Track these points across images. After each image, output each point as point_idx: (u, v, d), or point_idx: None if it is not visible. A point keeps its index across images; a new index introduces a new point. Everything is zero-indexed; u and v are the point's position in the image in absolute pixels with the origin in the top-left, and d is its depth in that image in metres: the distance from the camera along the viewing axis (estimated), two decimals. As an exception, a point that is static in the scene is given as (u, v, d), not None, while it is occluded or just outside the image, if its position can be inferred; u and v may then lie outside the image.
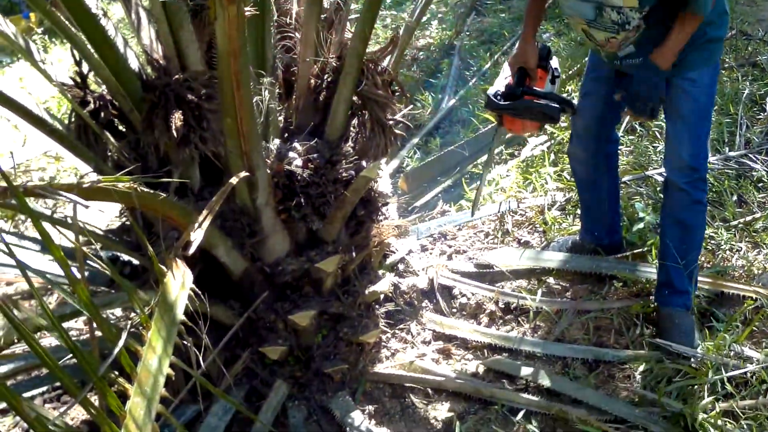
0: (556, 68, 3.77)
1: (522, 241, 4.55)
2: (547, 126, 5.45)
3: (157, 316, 1.69)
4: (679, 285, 3.60)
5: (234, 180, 2.43)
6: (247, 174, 2.90)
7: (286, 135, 3.51)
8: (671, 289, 3.62)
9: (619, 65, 3.57)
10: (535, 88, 3.64)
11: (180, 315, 1.75)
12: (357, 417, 3.38)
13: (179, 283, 1.81)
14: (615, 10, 3.16)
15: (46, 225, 3.74)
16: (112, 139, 3.39)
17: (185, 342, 2.83)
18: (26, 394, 3.72)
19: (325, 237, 3.47)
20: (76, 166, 6.73)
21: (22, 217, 6.59)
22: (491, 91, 3.65)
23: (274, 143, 3.29)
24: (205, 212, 2.15)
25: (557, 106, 3.52)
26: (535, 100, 3.54)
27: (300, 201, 3.26)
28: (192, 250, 2.02)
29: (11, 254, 1.61)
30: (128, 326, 1.71)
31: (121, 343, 1.58)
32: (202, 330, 2.01)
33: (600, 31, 3.33)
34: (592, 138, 3.94)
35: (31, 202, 3.73)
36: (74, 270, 3.97)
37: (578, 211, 4.64)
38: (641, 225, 4.18)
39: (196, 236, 2.04)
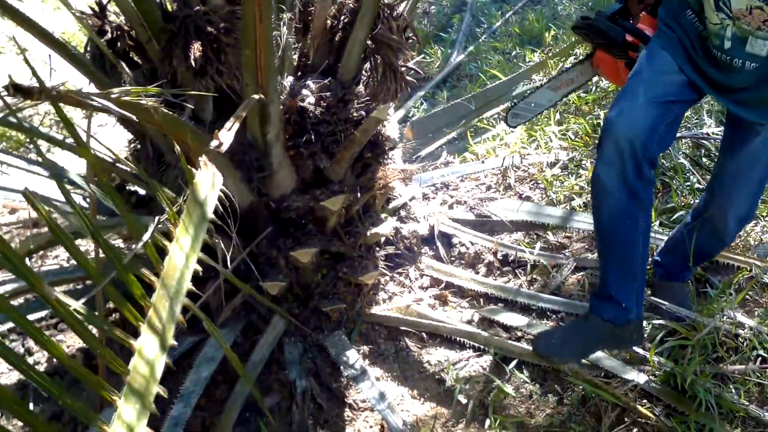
0: None
1: (523, 196, 4.57)
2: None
3: (185, 214, 1.71)
4: (679, 278, 3.60)
5: (255, 96, 2.45)
6: (262, 97, 2.92)
7: (300, 73, 3.53)
8: (670, 277, 3.61)
9: (723, 64, 2.81)
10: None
11: (210, 213, 1.78)
12: (352, 356, 3.45)
13: (209, 183, 1.83)
14: None
15: (56, 154, 3.81)
16: (127, 69, 3.42)
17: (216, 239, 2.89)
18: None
19: (332, 176, 3.50)
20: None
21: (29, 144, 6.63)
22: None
23: (288, 80, 3.32)
24: (232, 120, 2.17)
25: (619, 29, 3.02)
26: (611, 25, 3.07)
27: (310, 138, 3.29)
28: (225, 147, 2.04)
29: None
30: (156, 222, 1.73)
31: (148, 234, 1.62)
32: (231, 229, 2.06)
33: None
34: (627, 162, 2.86)
35: (43, 129, 3.76)
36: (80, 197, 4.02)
37: (580, 171, 4.67)
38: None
39: (227, 138, 2.06)
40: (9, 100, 1.62)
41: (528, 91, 3.76)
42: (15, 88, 1.51)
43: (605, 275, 3.18)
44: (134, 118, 1.87)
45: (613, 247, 3.13)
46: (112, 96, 1.68)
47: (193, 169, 1.82)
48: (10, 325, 3.74)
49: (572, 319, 3.57)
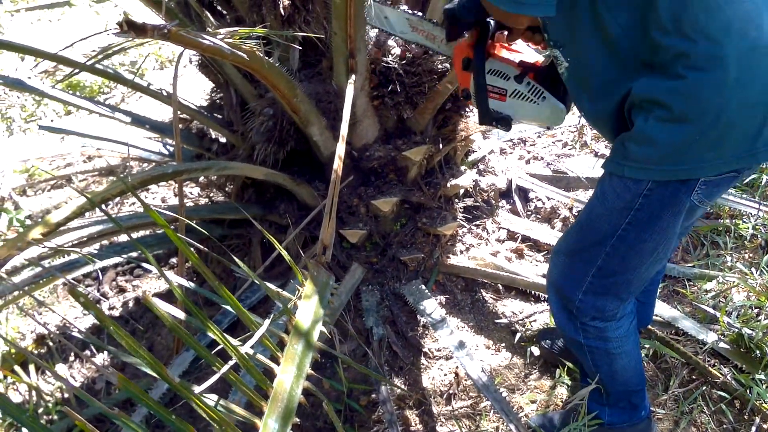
0: None
1: (599, 154, 4.56)
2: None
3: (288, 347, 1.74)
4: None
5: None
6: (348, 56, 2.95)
7: (385, 24, 3.55)
8: None
9: None
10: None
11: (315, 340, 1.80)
12: (429, 304, 3.48)
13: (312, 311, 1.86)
14: None
15: (142, 100, 3.87)
16: (211, 19, 3.46)
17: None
18: (102, 263, 3.83)
19: (414, 127, 3.53)
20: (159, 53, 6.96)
21: (115, 91, 6.74)
22: None
23: (374, 30, 3.34)
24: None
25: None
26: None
27: (395, 88, 3.32)
28: (329, 255, 2.08)
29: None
30: (268, 321, 1.77)
31: (262, 329, 1.65)
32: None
33: None
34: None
35: (128, 75, 3.83)
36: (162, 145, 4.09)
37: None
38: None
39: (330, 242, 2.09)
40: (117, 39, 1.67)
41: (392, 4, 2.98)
42: (129, 25, 1.55)
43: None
44: (244, 57, 1.88)
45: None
46: (219, 35, 1.72)
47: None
48: (86, 269, 3.79)
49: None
